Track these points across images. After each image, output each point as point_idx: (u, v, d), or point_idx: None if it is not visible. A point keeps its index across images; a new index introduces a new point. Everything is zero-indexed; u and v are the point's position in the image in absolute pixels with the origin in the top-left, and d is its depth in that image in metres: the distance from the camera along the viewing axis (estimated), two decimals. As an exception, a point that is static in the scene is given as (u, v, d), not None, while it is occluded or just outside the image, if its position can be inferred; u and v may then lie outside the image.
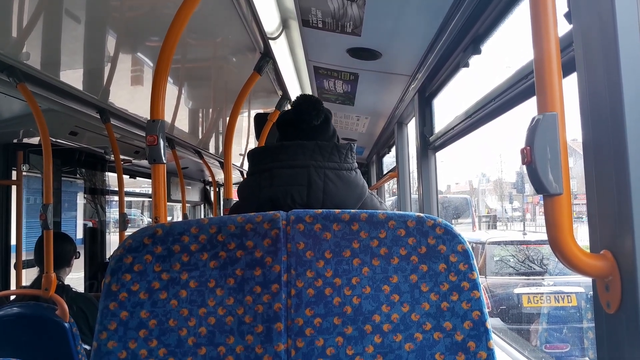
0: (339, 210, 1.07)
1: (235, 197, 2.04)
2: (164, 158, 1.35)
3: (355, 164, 1.30)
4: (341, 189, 1.23)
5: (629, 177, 0.72)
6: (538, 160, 0.70)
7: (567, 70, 0.91)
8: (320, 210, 1.07)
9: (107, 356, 0.99)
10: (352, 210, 1.07)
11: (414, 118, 2.62)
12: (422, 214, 1.07)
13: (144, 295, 1.01)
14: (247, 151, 1.37)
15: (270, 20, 1.98)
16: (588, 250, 0.75)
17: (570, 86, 0.91)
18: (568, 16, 0.95)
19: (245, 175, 1.36)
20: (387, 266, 1.04)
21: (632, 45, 0.78)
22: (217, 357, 1.00)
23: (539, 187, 0.70)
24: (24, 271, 3.16)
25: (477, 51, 1.72)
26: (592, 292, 0.81)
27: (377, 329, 1.02)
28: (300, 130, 1.35)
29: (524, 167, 0.74)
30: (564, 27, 0.99)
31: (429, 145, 2.39)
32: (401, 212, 1.08)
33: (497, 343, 1.46)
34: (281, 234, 1.04)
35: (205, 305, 1.02)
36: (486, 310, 1.04)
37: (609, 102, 0.78)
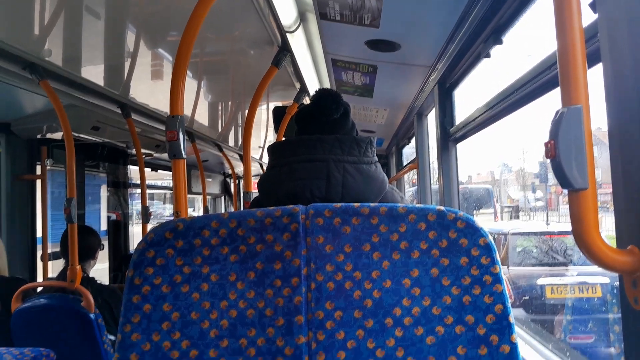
0: (359, 204, 1.07)
1: (254, 190, 2.05)
2: (184, 153, 1.37)
3: (375, 158, 1.29)
4: (360, 182, 1.22)
5: (658, 171, 0.70)
6: (562, 154, 0.68)
7: (591, 61, 0.88)
8: (339, 204, 1.07)
9: (131, 348, 1.01)
10: (371, 204, 1.07)
11: (434, 109, 2.59)
12: (442, 207, 1.06)
13: (166, 288, 1.03)
14: (267, 145, 1.38)
15: (287, 13, 1.97)
16: (614, 246, 0.73)
17: (594, 78, 0.89)
18: (593, 6, 0.93)
19: (264, 168, 1.37)
20: (408, 260, 1.04)
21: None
22: (239, 349, 1.02)
23: (564, 181, 0.69)
24: (50, 263, 3.23)
25: (499, 41, 1.69)
26: (617, 283, 0.79)
27: (398, 323, 1.02)
28: (320, 123, 1.34)
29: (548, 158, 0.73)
30: (588, 18, 0.97)
31: (449, 137, 2.36)
32: (421, 206, 1.07)
33: (521, 336, 1.44)
34: (300, 228, 1.05)
35: (226, 299, 1.03)
36: (509, 304, 1.03)
37: (636, 94, 0.75)
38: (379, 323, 1.02)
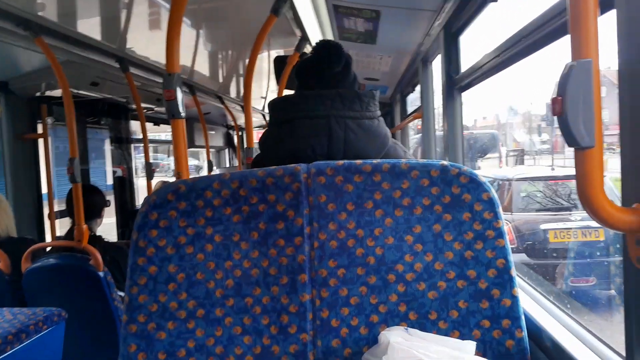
0: (361, 161, 1.06)
1: (257, 146, 2.04)
2: (182, 112, 1.34)
3: (378, 112, 1.27)
4: (362, 138, 1.21)
5: (668, 126, 0.68)
6: (570, 111, 0.66)
7: (603, 7, 0.84)
8: (341, 162, 1.06)
9: (139, 310, 1.03)
10: (373, 161, 1.06)
11: (439, 56, 2.52)
12: (446, 162, 1.05)
13: (171, 250, 1.04)
14: (270, 94, 1.35)
15: (286, -42, 1.88)
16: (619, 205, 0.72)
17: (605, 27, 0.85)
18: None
19: (267, 119, 1.35)
20: (410, 216, 1.04)
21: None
22: (245, 307, 1.04)
23: (570, 139, 0.67)
24: (57, 221, 3.28)
25: (506, -16, 1.61)
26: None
27: (400, 278, 1.03)
28: (321, 77, 1.31)
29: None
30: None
31: (455, 85, 2.31)
32: (425, 161, 1.06)
33: (522, 287, 1.46)
34: (302, 187, 1.04)
35: (231, 259, 1.04)
36: (511, 258, 1.03)
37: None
38: (382, 279, 1.03)
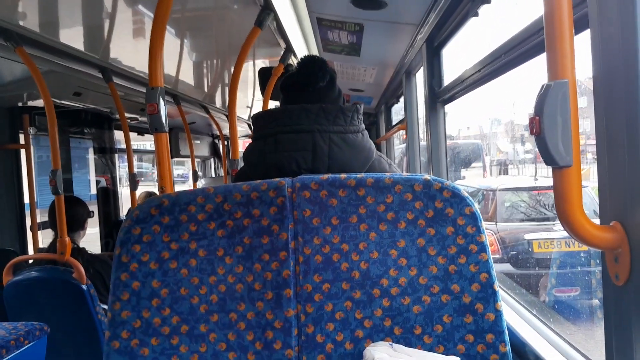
0: (345, 175, 1.06)
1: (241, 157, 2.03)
2: (165, 126, 1.34)
3: (362, 126, 1.28)
4: (347, 152, 1.21)
5: (643, 144, 0.69)
6: (547, 130, 0.67)
7: (578, 28, 0.86)
8: (326, 176, 1.06)
9: (122, 326, 1.02)
10: (358, 175, 1.06)
11: (422, 68, 2.55)
12: (429, 177, 1.06)
13: (154, 265, 1.03)
14: (255, 104, 1.35)
15: (269, -30, 1.90)
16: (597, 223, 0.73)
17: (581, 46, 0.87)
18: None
19: (252, 129, 1.35)
20: (394, 231, 1.04)
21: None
22: (229, 323, 1.03)
23: (548, 159, 0.68)
24: (40, 232, 3.23)
25: (487, 0, 1.64)
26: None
27: (385, 293, 1.03)
28: (306, 92, 1.32)
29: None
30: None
31: (437, 98, 2.33)
32: (408, 176, 1.07)
33: (506, 300, 1.47)
34: (287, 202, 1.04)
35: (215, 274, 1.04)
36: (494, 272, 1.04)
37: (624, 61, 0.74)
38: (367, 294, 1.03)
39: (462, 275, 1.03)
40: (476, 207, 1.06)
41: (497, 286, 1.04)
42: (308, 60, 1.34)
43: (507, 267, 5.11)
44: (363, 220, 1.05)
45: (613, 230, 0.70)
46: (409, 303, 1.03)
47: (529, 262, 5.06)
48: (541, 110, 0.67)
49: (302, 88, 1.32)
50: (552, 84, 0.68)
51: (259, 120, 1.27)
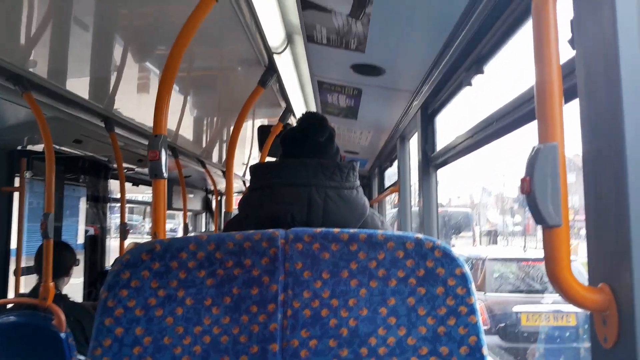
0: (338, 229, 1.07)
1: (236, 209, 2.04)
2: (165, 173, 1.36)
3: (357, 183, 1.30)
4: (342, 208, 1.23)
5: (629, 210, 0.72)
6: (538, 191, 0.69)
7: (568, 97, 0.91)
8: (319, 230, 1.06)
9: None
10: (351, 230, 1.07)
11: (416, 134, 2.63)
12: (421, 236, 1.07)
13: (139, 311, 1.01)
14: (251, 163, 1.38)
15: (275, 35, 1.99)
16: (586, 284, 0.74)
17: (572, 112, 0.91)
18: (572, 42, 0.95)
19: (247, 185, 1.36)
20: (385, 288, 1.04)
21: (634, 72, 0.78)
22: None
23: (538, 218, 0.70)
24: (23, 278, 3.15)
25: (480, 71, 1.73)
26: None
27: (372, 353, 1.01)
28: (305, 146, 1.35)
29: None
30: (566, 54, 0.99)
31: (430, 162, 2.39)
32: (400, 233, 1.08)
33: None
34: (279, 253, 1.04)
35: (200, 324, 1.02)
36: (483, 336, 1.03)
37: (611, 130, 0.77)
38: (354, 353, 1.01)
39: (451, 337, 1.02)
40: (467, 268, 1.07)
41: (486, 350, 1.02)
42: (308, 115, 1.38)
43: (496, 339, 5.01)
44: (354, 275, 1.04)
45: (601, 292, 0.71)
46: None
47: (518, 335, 4.98)
48: (532, 170, 0.70)
49: (302, 142, 1.36)
50: (542, 147, 0.71)
51: (258, 171, 1.30)
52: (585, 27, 0.89)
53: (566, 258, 0.69)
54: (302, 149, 1.34)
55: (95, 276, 4.17)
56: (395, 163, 3.67)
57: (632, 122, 0.76)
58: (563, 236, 0.69)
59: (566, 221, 0.69)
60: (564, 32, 0.95)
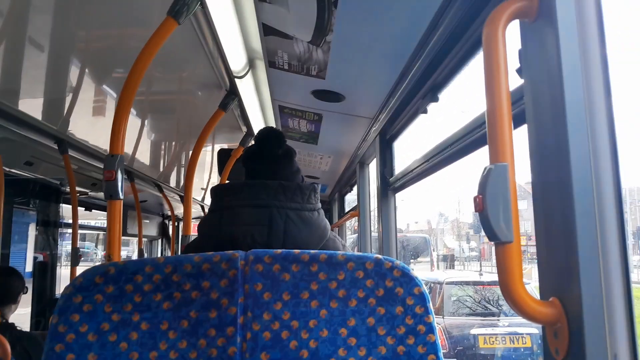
0: (299, 250, 1.07)
1: (194, 234, 2.02)
2: (121, 194, 1.33)
3: (319, 205, 1.31)
4: (302, 229, 1.23)
5: (575, 226, 0.76)
6: (490, 208, 0.73)
7: (518, 121, 0.96)
8: (279, 251, 1.06)
9: None
10: (311, 251, 1.07)
11: (375, 159, 2.68)
12: (380, 256, 1.08)
13: (92, 337, 0.97)
14: (210, 187, 1.37)
15: (236, 59, 2.01)
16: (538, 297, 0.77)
17: (521, 136, 0.96)
18: (519, 72, 1.01)
19: (206, 210, 1.35)
20: (345, 309, 1.04)
21: (577, 98, 0.83)
22: None
23: (491, 234, 0.73)
24: None
25: (435, 99, 1.79)
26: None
27: None
28: (264, 163, 1.36)
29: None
30: (515, 82, 1.05)
31: (389, 186, 2.44)
32: (360, 254, 1.09)
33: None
34: (239, 275, 1.03)
35: (156, 349, 0.99)
36: (441, 355, 1.05)
37: (557, 153, 0.82)
38: None
39: (410, 356, 1.03)
40: (424, 287, 1.09)
41: None
42: (265, 130, 1.40)
43: (455, 363, 5.07)
44: (315, 296, 1.04)
45: (552, 305, 0.74)
46: None
47: (475, 357, 5.05)
48: (484, 189, 0.73)
49: (260, 156, 1.36)
50: (493, 167, 0.75)
51: (218, 193, 1.29)
52: (532, 57, 0.95)
53: (519, 272, 0.72)
54: (262, 168, 1.35)
55: (44, 305, 3.98)
56: (355, 188, 3.71)
57: (576, 145, 0.81)
58: (515, 251, 0.72)
59: (517, 237, 0.73)
60: (513, 61, 1.01)
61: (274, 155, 1.36)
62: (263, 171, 1.34)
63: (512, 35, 0.93)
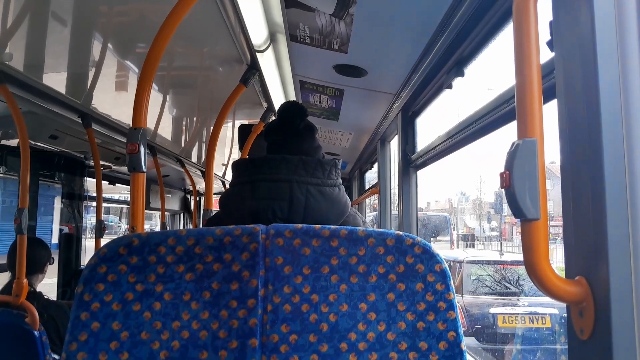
0: (319, 226, 1.07)
1: (215, 208, 2.03)
2: (144, 167, 1.34)
3: (339, 181, 1.30)
4: (323, 205, 1.23)
5: (605, 205, 0.74)
6: (516, 185, 0.71)
7: (547, 97, 0.93)
8: (300, 225, 1.06)
9: None
10: (332, 226, 1.07)
11: (396, 136, 2.65)
12: (401, 232, 1.08)
13: (116, 306, 0.99)
14: (231, 162, 1.37)
15: (258, 33, 1.99)
16: (563, 276, 0.76)
17: (550, 112, 0.93)
18: (550, 44, 0.97)
19: (226, 186, 1.36)
20: (365, 284, 1.04)
21: (611, 74, 0.80)
22: None
23: (517, 211, 0.71)
24: None
25: (461, 74, 1.75)
26: (566, 314, 0.82)
27: (352, 348, 1.01)
28: (286, 136, 1.35)
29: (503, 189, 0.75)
30: (546, 55, 1.02)
31: (410, 164, 2.41)
32: (381, 230, 1.08)
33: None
34: (260, 248, 1.04)
35: (179, 319, 1.00)
36: (461, 331, 1.04)
37: (588, 130, 0.79)
38: (334, 348, 1.01)
39: (430, 332, 1.03)
40: (445, 264, 1.08)
41: (464, 345, 1.04)
42: (287, 103, 1.39)
43: (472, 340, 5.07)
44: (335, 271, 1.04)
45: (578, 284, 0.73)
46: (376, 359, 1.01)
47: (494, 336, 5.05)
48: (511, 165, 0.71)
49: (282, 129, 1.36)
50: (521, 142, 0.73)
51: (239, 167, 1.29)
52: (564, 29, 0.91)
53: (545, 250, 0.71)
54: (282, 138, 1.35)
55: (69, 275, 4.09)
56: (375, 166, 3.69)
57: (608, 122, 0.78)
58: (541, 229, 0.71)
59: (544, 214, 0.71)
60: (544, 34, 0.97)
61: (295, 127, 1.36)
62: (284, 144, 1.34)
63: (544, 6, 0.89)
